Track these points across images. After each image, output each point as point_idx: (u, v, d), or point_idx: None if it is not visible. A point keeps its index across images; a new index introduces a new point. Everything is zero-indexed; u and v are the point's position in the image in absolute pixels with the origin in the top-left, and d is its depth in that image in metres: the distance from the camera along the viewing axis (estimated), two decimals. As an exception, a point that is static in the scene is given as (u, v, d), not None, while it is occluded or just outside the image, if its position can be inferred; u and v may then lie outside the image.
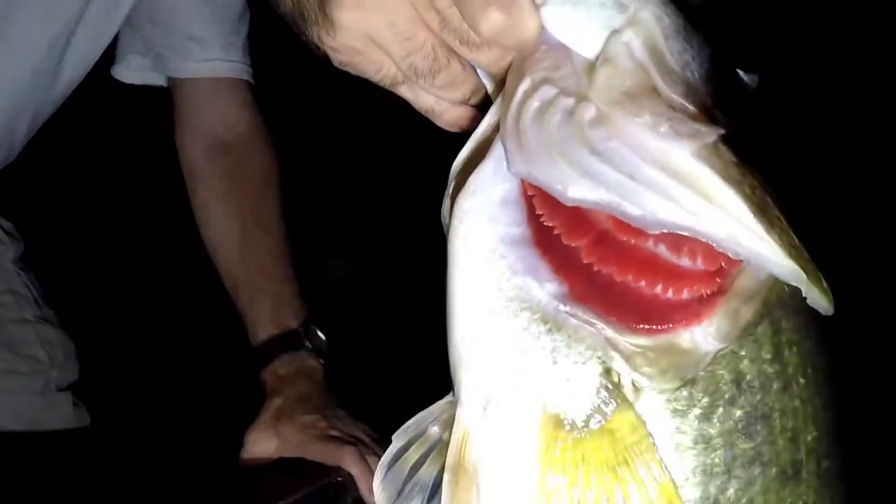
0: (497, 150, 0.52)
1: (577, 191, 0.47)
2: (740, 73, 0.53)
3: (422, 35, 0.55)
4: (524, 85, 0.50)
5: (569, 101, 0.48)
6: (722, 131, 0.46)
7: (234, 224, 1.30)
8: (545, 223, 0.49)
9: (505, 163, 0.50)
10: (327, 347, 1.23)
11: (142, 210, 2.08)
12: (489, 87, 0.57)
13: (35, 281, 1.26)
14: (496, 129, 0.54)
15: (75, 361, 1.25)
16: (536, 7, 0.51)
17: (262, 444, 1.17)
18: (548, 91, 0.49)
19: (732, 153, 0.46)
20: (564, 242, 0.49)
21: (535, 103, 0.49)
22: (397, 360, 2.05)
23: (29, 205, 1.34)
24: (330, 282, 1.91)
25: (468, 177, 0.52)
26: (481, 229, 0.50)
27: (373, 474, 1.09)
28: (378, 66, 0.57)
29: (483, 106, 0.59)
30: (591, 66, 0.49)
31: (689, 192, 0.45)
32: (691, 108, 0.47)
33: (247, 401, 1.27)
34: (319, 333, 1.23)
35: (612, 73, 0.48)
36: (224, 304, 1.36)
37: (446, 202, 0.55)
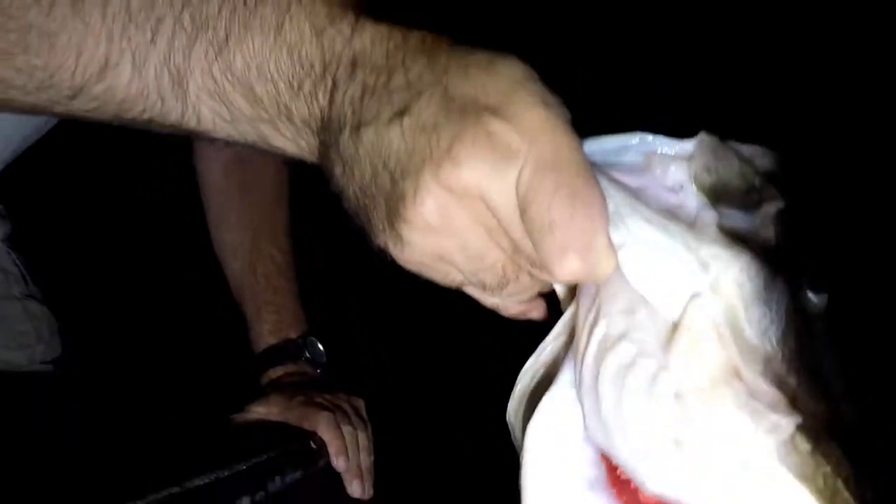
0: (566, 374, 0.53)
1: (656, 486, 0.48)
2: (810, 294, 0.53)
3: (493, 256, 0.54)
4: (600, 331, 0.51)
5: (649, 368, 0.49)
6: (799, 420, 0.47)
7: (246, 237, 1.32)
8: (620, 476, 0.50)
9: (574, 390, 0.52)
10: (325, 358, 1.27)
11: (133, 200, 2.03)
12: (559, 291, 0.57)
13: (23, 259, 1.26)
14: (565, 345, 0.55)
15: (59, 338, 1.27)
16: (614, 249, 0.50)
17: (252, 410, 1.21)
18: (627, 350, 0.49)
19: (806, 438, 0.48)
20: (639, 498, 0.50)
21: (613, 363, 0.49)
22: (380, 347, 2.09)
23: (18, 187, 1.31)
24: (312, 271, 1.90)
25: (538, 394, 0.54)
26: (555, 466, 0.51)
27: (343, 441, 1.18)
28: (445, 275, 0.56)
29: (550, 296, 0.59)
30: (671, 328, 0.49)
31: (765, 495, 0.47)
32: (770, 388, 0.48)
33: (233, 386, 1.31)
34: (318, 345, 1.27)
35: (692, 348, 0.49)
36: (212, 291, 1.38)
37: (512, 403, 0.57)
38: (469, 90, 0.51)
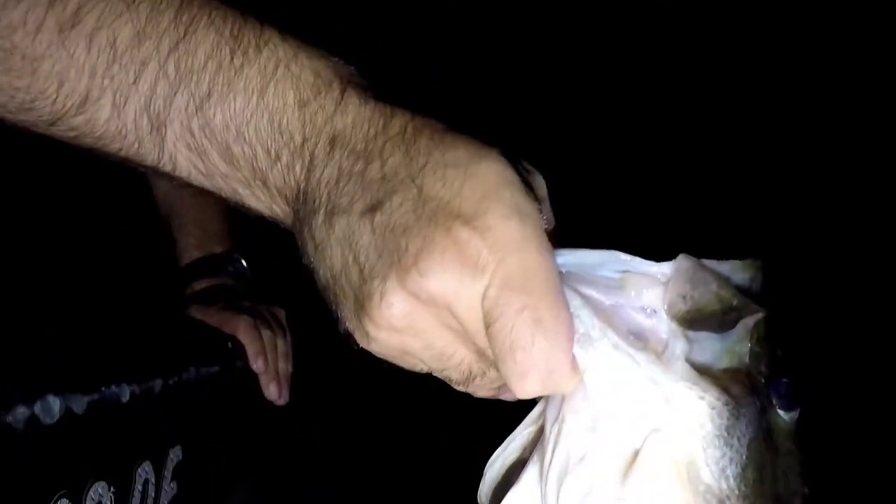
0: (532, 470, 0.54)
1: None
2: (781, 413, 0.54)
3: (458, 356, 0.54)
4: (563, 448, 0.52)
5: (606, 497, 0.50)
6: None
7: None
8: None
9: (539, 487, 0.53)
10: (249, 274, 1.32)
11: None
12: None
13: None
14: (533, 441, 0.56)
15: None
16: (577, 370, 0.51)
17: None
18: (586, 476, 0.51)
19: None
20: None
21: (573, 488, 0.51)
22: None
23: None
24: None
25: (506, 481, 0.56)
26: None
27: (262, 344, 1.20)
28: (411, 366, 0.56)
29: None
30: (631, 456, 0.50)
31: None
32: None
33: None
34: (242, 261, 1.28)
35: (649, 485, 0.50)
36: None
37: (483, 487, 0.58)
38: (443, 193, 0.50)
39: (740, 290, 0.55)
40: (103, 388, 0.95)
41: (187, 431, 1.11)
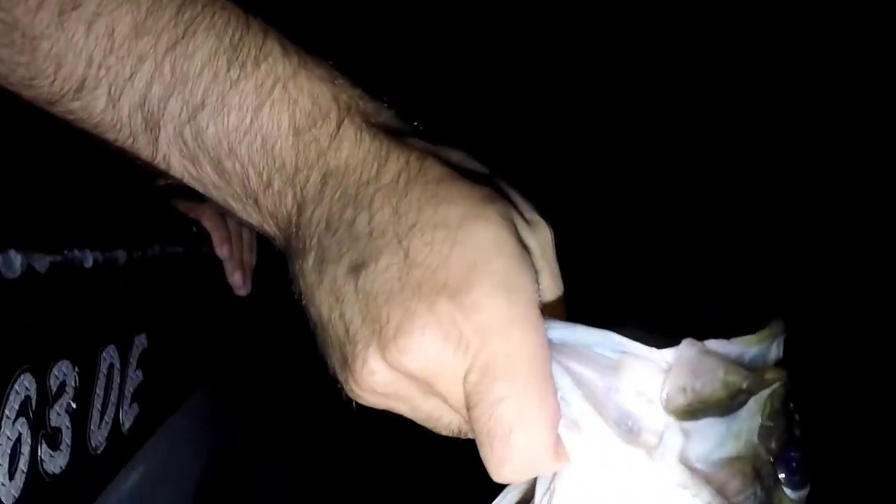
0: None
1: None
2: (788, 492, 0.50)
3: (446, 419, 0.52)
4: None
5: None
6: None
7: None
8: None
9: None
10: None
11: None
12: None
13: None
14: (531, 487, 0.54)
15: None
16: (560, 456, 0.48)
17: None
18: None
19: None
20: None
21: None
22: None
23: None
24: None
25: None
26: None
27: (228, 233, 1.17)
28: (401, 412, 0.53)
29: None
30: None
31: None
32: None
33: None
34: None
35: None
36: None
37: None
38: (430, 260, 0.47)
39: (754, 366, 0.50)
40: (66, 252, 0.91)
41: (152, 316, 1.07)
